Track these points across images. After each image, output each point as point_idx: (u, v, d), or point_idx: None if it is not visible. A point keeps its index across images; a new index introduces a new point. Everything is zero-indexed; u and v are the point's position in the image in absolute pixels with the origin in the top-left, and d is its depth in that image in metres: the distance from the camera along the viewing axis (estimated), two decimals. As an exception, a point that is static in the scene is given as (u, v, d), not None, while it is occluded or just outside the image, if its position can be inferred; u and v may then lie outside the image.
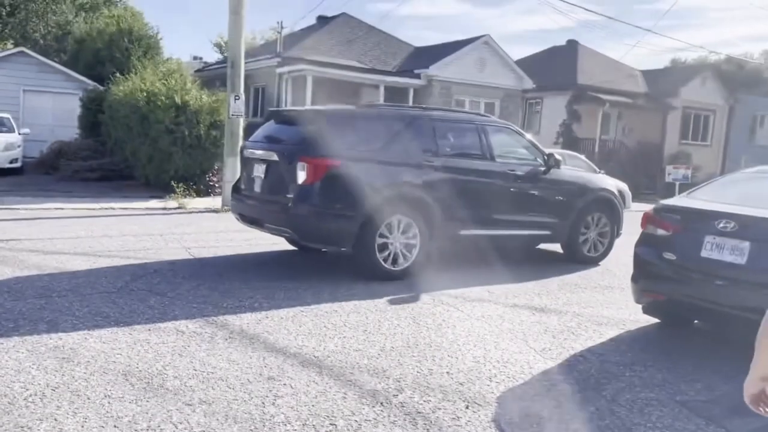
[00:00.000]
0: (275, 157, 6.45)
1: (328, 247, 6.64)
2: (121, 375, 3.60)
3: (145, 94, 13.33)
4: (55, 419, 3.05)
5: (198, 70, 26.55)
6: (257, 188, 6.72)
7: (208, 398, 3.37)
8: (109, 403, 3.24)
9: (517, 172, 7.26)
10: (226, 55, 19.47)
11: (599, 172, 14.89)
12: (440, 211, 6.55)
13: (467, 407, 3.50)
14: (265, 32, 46.09)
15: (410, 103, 21.01)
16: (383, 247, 6.30)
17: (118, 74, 15.59)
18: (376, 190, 6.17)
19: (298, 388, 3.58)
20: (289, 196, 6.13)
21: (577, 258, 7.92)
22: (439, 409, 3.45)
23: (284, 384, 3.62)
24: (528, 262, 7.81)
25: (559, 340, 4.81)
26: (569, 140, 24.52)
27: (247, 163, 7.05)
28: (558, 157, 7.68)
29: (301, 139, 6.34)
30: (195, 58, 49.58)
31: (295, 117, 6.91)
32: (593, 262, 8.01)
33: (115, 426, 3.01)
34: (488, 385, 3.82)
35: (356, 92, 21.91)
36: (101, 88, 17.33)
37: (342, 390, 3.60)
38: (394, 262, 6.39)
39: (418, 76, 21.71)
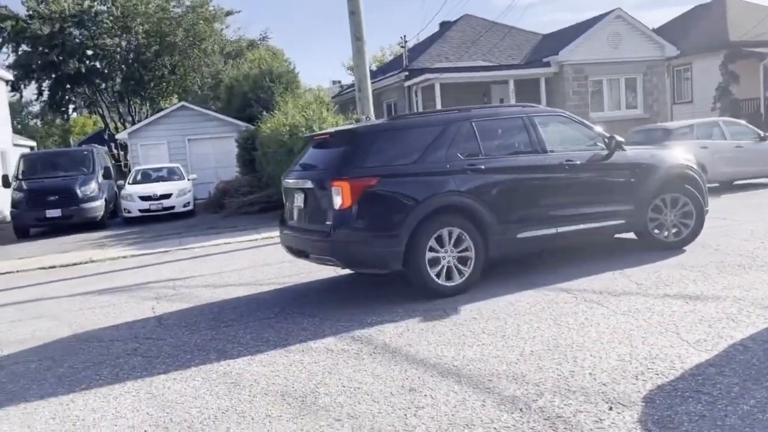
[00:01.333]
0: (310, 185, 6.25)
1: (376, 271, 6.35)
2: (280, 395, 3.99)
3: (287, 128, 14.33)
4: (226, 439, 3.47)
5: (335, 96, 27.95)
6: (298, 218, 6.54)
7: (355, 413, 3.64)
8: (270, 422, 3.62)
9: (575, 162, 6.67)
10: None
11: (764, 136, 13.50)
12: (492, 216, 6.14)
13: (611, 408, 3.42)
14: (394, 47, 47.27)
15: (542, 94, 20.48)
16: (434, 263, 5.95)
17: (264, 112, 16.91)
18: (417, 205, 5.87)
19: (438, 398, 3.73)
20: (327, 223, 5.90)
21: (656, 245, 7.16)
22: (581, 412, 3.42)
23: (425, 395, 3.79)
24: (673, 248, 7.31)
25: (716, 329, 4.49)
26: (728, 104, 22.38)
27: (287, 193, 6.86)
28: (620, 138, 6.97)
29: (333, 162, 6.14)
30: (334, 82, 52.27)
31: (327, 140, 6.66)
32: (676, 247, 7.18)
33: (274, 443, 3.36)
34: (634, 384, 3.70)
35: (486, 91, 21.77)
36: (252, 127, 18.87)
37: (481, 398, 3.69)
38: (450, 277, 6.03)
39: (548, 64, 21.10)
